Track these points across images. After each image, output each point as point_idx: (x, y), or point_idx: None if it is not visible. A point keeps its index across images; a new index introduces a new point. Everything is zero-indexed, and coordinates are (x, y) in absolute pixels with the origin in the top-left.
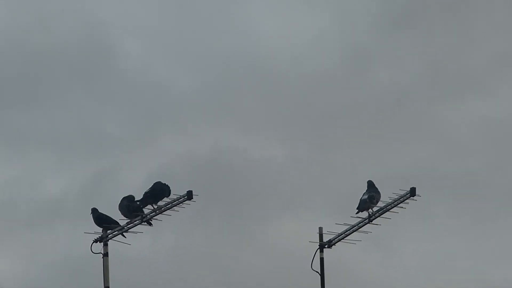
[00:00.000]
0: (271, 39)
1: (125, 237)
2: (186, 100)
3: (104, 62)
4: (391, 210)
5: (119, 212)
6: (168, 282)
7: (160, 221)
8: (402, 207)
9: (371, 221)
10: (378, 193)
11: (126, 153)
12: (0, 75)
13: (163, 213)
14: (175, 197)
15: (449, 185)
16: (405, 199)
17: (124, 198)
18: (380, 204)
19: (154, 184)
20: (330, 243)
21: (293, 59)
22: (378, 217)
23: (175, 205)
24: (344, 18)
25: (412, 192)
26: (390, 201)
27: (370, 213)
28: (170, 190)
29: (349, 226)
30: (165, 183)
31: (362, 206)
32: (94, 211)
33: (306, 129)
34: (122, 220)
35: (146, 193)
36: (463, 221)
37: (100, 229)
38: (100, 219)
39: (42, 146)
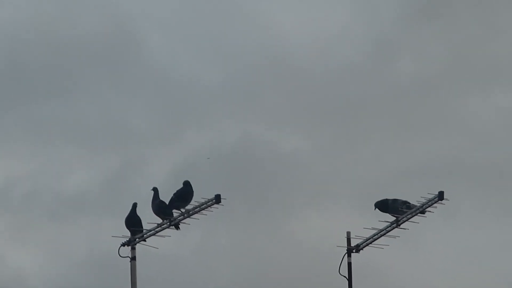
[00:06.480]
0: (296, 32)
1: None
2: (212, 94)
3: (130, 55)
4: (419, 214)
5: (151, 209)
6: (194, 281)
7: (188, 224)
8: (430, 211)
9: (399, 226)
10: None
11: (152, 146)
12: (27, 67)
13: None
14: (203, 200)
15: (476, 177)
16: (433, 203)
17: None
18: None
19: (180, 188)
20: (358, 248)
21: (318, 52)
22: (406, 221)
23: (203, 209)
24: (369, 10)
25: (441, 196)
26: (418, 205)
27: (398, 217)
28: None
29: (377, 231)
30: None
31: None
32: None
33: (332, 121)
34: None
35: (173, 197)
36: (491, 215)
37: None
38: (130, 220)
39: (67, 139)
